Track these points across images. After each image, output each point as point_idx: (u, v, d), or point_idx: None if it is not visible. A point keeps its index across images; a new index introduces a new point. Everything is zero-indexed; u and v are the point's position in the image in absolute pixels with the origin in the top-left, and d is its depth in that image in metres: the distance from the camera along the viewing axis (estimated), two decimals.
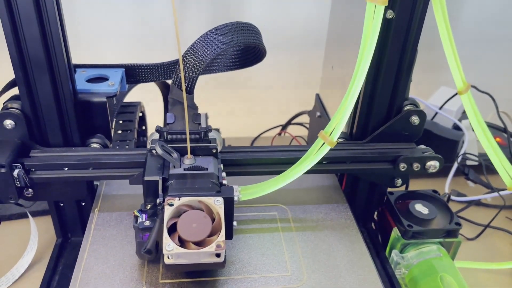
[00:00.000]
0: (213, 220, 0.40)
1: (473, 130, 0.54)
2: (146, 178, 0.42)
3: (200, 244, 0.38)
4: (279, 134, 0.89)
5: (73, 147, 0.50)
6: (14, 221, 0.64)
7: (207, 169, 0.44)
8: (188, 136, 0.45)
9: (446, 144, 0.77)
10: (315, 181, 0.58)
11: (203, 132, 0.46)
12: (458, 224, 0.57)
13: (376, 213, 0.63)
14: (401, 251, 0.57)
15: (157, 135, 0.47)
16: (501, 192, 0.72)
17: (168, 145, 0.45)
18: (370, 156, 0.52)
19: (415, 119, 0.52)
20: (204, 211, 0.40)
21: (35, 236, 0.58)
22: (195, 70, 0.46)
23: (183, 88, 0.44)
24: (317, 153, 0.46)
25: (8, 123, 0.47)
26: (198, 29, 0.92)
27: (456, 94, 0.82)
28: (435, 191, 0.62)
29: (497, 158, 0.55)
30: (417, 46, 0.49)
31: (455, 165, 0.77)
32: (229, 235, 0.44)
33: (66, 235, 0.58)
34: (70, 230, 0.57)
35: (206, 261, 0.39)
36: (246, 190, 0.47)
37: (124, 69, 0.56)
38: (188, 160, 0.45)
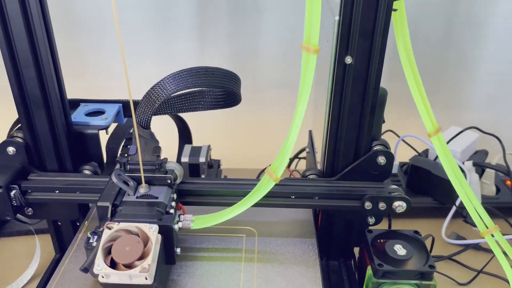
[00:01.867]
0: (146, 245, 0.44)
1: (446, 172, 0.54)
2: (98, 204, 0.47)
3: (129, 266, 0.42)
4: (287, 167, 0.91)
5: (66, 173, 0.57)
6: (22, 237, 0.72)
7: (157, 198, 0.49)
8: (141, 167, 0.50)
9: (445, 185, 0.76)
10: (291, 215, 0.60)
11: (159, 164, 0.51)
12: (432, 267, 0.56)
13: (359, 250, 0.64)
14: None
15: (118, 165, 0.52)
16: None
17: (127, 174, 0.50)
18: (336, 193, 0.54)
19: (381, 160, 0.54)
20: (140, 236, 0.44)
21: (38, 251, 0.65)
22: (151, 107, 0.51)
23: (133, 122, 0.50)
24: (263, 189, 0.49)
25: (11, 149, 0.54)
26: (217, 62, 0.99)
27: (458, 133, 0.82)
28: (416, 232, 0.62)
29: (470, 203, 0.54)
30: (378, 89, 0.51)
31: (454, 208, 0.75)
32: (170, 261, 0.48)
33: (64, 251, 0.64)
34: (67, 247, 0.63)
35: (136, 282, 0.43)
36: (198, 220, 0.51)
37: (121, 104, 0.63)
38: (143, 189, 0.50)
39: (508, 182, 0.82)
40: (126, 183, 0.50)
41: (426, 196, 0.79)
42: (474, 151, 0.86)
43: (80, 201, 0.55)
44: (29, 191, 0.55)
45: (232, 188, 0.55)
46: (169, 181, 0.52)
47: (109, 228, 0.46)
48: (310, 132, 0.73)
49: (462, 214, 0.75)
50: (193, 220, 0.51)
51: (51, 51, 0.51)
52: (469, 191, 0.55)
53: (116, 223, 0.46)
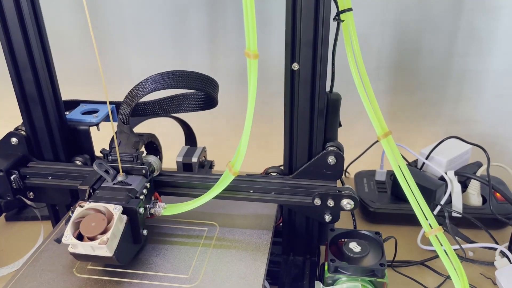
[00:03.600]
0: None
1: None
2: (79, 187, 0.55)
3: (93, 239, 0.49)
4: None
5: (60, 162, 0.66)
6: (32, 222, 0.82)
7: (131, 185, 0.56)
8: (118, 158, 0.57)
9: (426, 194, 0.77)
10: (257, 209, 0.65)
11: (136, 156, 0.58)
12: (382, 265, 0.59)
13: None
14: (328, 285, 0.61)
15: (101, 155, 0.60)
16: (473, 245, 0.70)
17: (109, 164, 0.58)
18: (289, 189, 0.59)
19: (331, 160, 0.58)
20: (106, 215, 0.51)
21: (41, 235, 0.75)
22: (129, 105, 0.58)
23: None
24: (224, 181, 0.55)
25: (14, 140, 0.64)
26: (227, 75, 1.06)
27: (440, 142, 0.83)
28: (377, 233, 0.65)
29: (417, 205, 0.57)
30: (324, 94, 0.56)
31: None
32: (136, 240, 0.55)
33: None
34: None
35: (99, 254, 0.50)
36: (169, 208, 0.58)
37: (115, 105, 0.71)
38: (121, 177, 0.57)
39: (498, 194, 0.82)
40: (107, 171, 0.58)
41: (408, 203, 0.80)
42: (466, 163, 0.86)
43: (69, 187, 0.64)
44: (27, 176, 0.64)
45: (201, 181, 0.62)
46: (144, 172, 0.59)
47: (81, 206, 0.53)
48: None
49: (439, 222, 0.76)
50: (165, 207, 0.58)
51: (45, 57, 0.60)
52: (417, 193, 0.57)
53: (88, 202, 0.53)
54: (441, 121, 1.06)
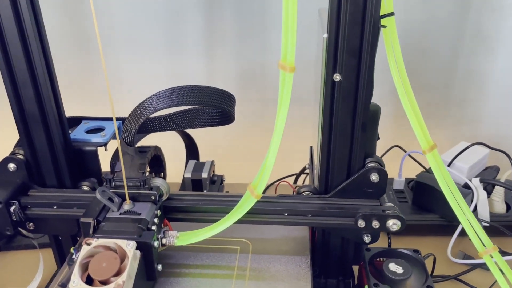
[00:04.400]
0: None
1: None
2: (81, 220, 0.48)
3: (105, 283, 0.43)
4: (280, 181, 0.91)
5: (65, 189, 0.58)
6: (28, 250, 0.73)
7: (140, 214, 0.50)
8: (125, 184, 0.50)
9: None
10: (286, 232, 0.60)
11: (143, 180, 0.51)
12: (430, 287, 0.55)
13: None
14: None
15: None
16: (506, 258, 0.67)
17: (112, 190, 0.51)
18: (329, 210, 0.54)
19: (374, 177, 0.53)
20: (117, 253, 0.45)
21: (41, 265, 0.67)
22: (134, 125, 0.52)
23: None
24: (245, 206, 0.49)
25: (11, 166, 0.56)
26: (224, 81, 1.00)
27: (464, 149, 0.80)
28: (416, 251, 0.61)
29: (468, 223, 0.53)
30: (368, 106, 0.51)
31: (460, 226, 0.73)
32: (150, 277, 0.49)
33: None
34: None
35: None
36: (183, 236, 0.51)
37: (122, 122, 0.64)
38: (127, 205, 0.51)
39: None
40: (111, 199, 0.51)
41: (432, 213, 0.77)
42: (484, 167, 0.83)
43: (78, 216, 0.56)
44: (29, 206, 0.56)
45: (217, 204, 0.56)
46: (153, 198, 0.52)
47: (88, 244, 0.46)
48: (311, 148, 0.73)
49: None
50: (177, 236, 0.51)
51: (48, 71, 0.53)
52: (466, 209, 0.53)
53: (95, 239, 0.47)
54: (446, 123, 1.03)
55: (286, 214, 0.55)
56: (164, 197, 0.54)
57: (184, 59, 1.00)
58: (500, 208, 0.77)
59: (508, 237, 0.72)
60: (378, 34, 0.47)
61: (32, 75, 0.52)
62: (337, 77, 0.49)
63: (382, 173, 0.53)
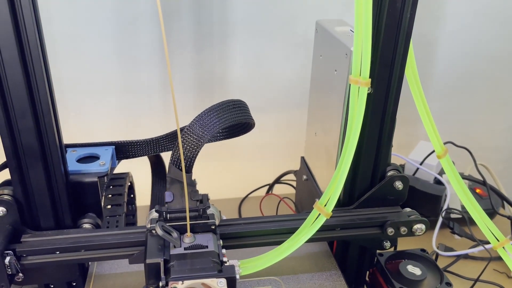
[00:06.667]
0: None
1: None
2: (148, 261, 0.43)
3: None
4: (267, 194, 0.90)
5: (65, 230, 0.51)
6: None
7: (207, 247, 0.45)
8: (188, 215, 0.46)
9: (429, 199, 0.79)
10: (306, 249, 0.59)
11: (201, 209, 0.47)
12: (449, 284, 0.58)
13: (368, 274, 0.63)
14: None
15: (155, 214, 0.48)
16: (486, 246, 0.73)
17: (168, 223, 0.46)
18: (359, 222, 0.54)
19: (398, 185, 0.54)
20: None
21: None
22: (193, 150, 0.47)
23: (183, 167, 0.46)
24: (314, 224, 0.47)
25: (1, 210, 0.47)
26: (183, 93, 0.96)
27: (432, 152, 0.86)
28: (423, 250, 0.63)
29: (481, 219, 0.57)
30: (395, 117, 0.52)
31: (440, 220, 0.78)
32: None
33: None
34: None
35: None
36: (245, 264, 0.48)
37: (114, 147, 0.58)
38: (188, 238, 0.46)
39: (478, 190, 0.87)
40: (169, 233, 0.46)
41: None
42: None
43: (88, 260, 0.49)
44: (24, 255, 0.48)
45: (271, 227, 0.53)
46: (213, 227, 0.48)
47: None
48: (303, 158, 0.73)
49: (448, 225, 0.78)
50: (239, 265, 0.48)
51: (51, 97, 0.45)
52: (477, 207, 0.57)
53: (180, 282, 0.41)
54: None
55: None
56: (217, 224, 0.50)
57: (138, 70, 0.93)
58: None
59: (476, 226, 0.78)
60: (409, 46, 0.48)
61: (32, 103, 0.44)
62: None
63: (405, 180, 0.55)
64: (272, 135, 1.01)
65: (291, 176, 0.90)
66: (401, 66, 0.49)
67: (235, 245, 0.52)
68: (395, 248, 0.68)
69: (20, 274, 0.50)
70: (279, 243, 0.49)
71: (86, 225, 0.52)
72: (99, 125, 0.94)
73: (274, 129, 1.01)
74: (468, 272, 0.73)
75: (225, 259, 0.45)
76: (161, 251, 0.44)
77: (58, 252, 0.48)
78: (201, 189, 0.76)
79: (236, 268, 0.45)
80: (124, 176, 0.71)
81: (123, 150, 0.58)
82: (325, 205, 0.47)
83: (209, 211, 0.49)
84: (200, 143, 0.47)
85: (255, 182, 0.93)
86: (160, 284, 0.42)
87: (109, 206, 0.64)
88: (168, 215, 0.47)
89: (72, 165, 0.53)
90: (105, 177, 0.53)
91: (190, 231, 0.47)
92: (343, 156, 0.45)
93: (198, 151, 0.48)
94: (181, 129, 0.49)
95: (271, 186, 0.91)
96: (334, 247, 0.60)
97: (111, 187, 0.68)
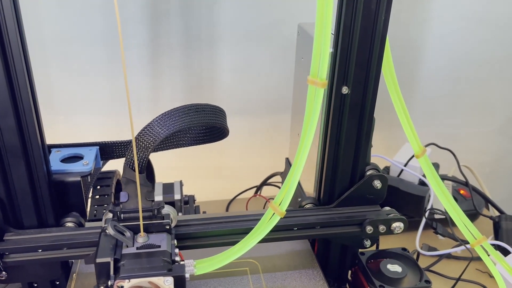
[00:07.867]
0: None
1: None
2: (97, 260, 0.43)
3: None
4: (254, 195, 0.91)
5: (47, 228, 0.51)
6: None
7: (159, 246, 0.46)
8: (141, 214, 0.46)
9: (413, 200, 0.80)
10: (288, 247, 0.60)
11: (156, 209, 0.48)
12: (428, 282, 0.59)
13: (350, 273, 0.64)
14: None
15: (110, 214, 0.48)
16: (468, 245, 0.74)
17: (122, 223, 0.47)
18: (338, 220, 0.55)
19: (377, 183, 0.55)
20: None
21: None
22: (146, 151, 0.49)
23: (136, 168, 0.47)
24: (268, 223, 0.48)
25: None
26: (171, 97, 0.97)
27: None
28: (404, 249, 0.64)
29: (458, 217, 0.57)
30: (372, 117, 0.53)
31: (424, 220, 0.79)
32: None
33: None
34: None
35: None
36: (201, 264, 0.48)
37: (98, 147, 0.58)
38: (141, 238, 0.47)
39: (462, 192, 0.88)
40: (122, 233, 0.46)
41: None
42: None
43: (70, 257, 0.50)
44: (7, 253, 0.49)
45: (233, 226, 0.53)
46: (167, 227, 0.49)
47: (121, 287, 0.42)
48: (287, 159, 0.74)
49: (431, 225, 0.79)
50: (195, 265, 0.48)
51: (33, 96, 0.46)
52: (455, 206, 0.58)
53: (127, 280, 0.42)
54: (381, 126, 1.11)
55: (296, 228, 0.54)
56: (173, 224, 0.51)
57: (127, 74, 0.94)
58: None
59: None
60: (384, 47, 0.49)
61: (14, 102, 0.45)
62: (344, 90, 0.50)
63: (383, 179, 0.56)
64: (260, 137, 1.02)
65: (278, 178, 0.91)
66: (377, 67, 0.50)
67: (192, 245, 0.52)
68: (377, 247, 0.69)
69: (4, 273, 0.51)
70: (235, 243, 0.49)
71: (69, 224, 0.53)
72: (87, 127, 0.94)
73: (262, 132, 1.02)
74: (451, 271, 0.74)
75: (178, 258, 0.46)
76: (112, 251, 0.45)
77: (40, 250, 0.49)
78: (189, 190, 0.78)
79: (189, 267, 0.46)
80: (111, 175, 0.71)
81: (108, 150, 0.59)
82: (279, 204, 0.47)
83: (164, 211, 0.50)
84: (155, 141, 0.48)
85: (243, 184, 0.94)
86: (109, 283, 0.42)
87: (96, 206, 0.65)
88: (122, 215, 0.47)
89: (56, 164, 0.54)
90: (88, 177, 0.54)
91: (144, 231, 0.47)
92: (297, 156, 0.46)
93: (150, 152, 0.49)
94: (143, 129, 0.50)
95: (258, 188, 0.92)
96: (316, 246, 0.61)
97: (98, 187, 0.69)
